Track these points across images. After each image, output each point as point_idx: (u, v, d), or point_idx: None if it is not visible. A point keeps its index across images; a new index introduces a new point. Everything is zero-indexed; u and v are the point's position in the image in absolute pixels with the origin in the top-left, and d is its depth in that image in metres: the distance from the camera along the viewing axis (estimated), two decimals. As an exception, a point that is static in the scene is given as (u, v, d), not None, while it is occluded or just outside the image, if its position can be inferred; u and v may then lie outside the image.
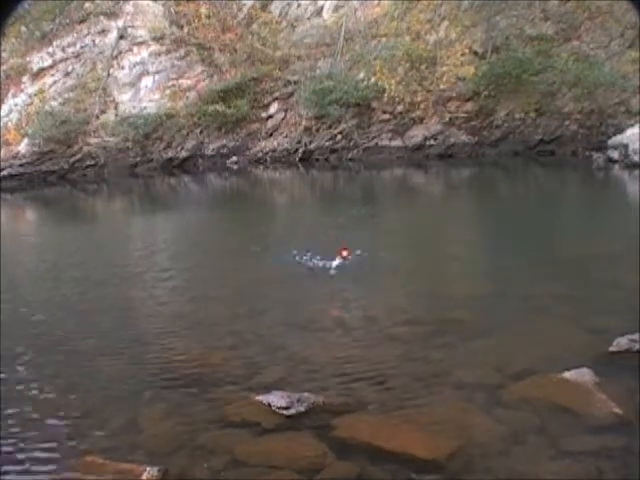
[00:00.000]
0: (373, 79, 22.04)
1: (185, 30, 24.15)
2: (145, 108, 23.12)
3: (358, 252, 8.31)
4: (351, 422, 4.30)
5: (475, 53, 21.84)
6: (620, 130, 19.01)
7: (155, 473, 3.73)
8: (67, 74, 23.87)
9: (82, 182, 22.51)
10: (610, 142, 18.78)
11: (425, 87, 21.81)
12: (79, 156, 23.09)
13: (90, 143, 23.01)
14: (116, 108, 23.50)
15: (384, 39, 22.76)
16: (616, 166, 18.00)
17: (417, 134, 22.33)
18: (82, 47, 24.08)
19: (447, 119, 21.99)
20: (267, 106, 23.44)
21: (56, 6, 24.22)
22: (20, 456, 4.15)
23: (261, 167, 22.90)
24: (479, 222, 12.82)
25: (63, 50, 24.05)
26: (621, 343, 5.07)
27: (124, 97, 23.60)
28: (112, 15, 24.19)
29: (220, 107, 22.40)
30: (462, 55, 21.51)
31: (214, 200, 18.72)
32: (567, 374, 4.65)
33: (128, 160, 22.98)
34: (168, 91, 23.56)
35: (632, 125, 18.57)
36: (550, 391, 4.50)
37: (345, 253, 8.12)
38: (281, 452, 4.02)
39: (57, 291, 8.41)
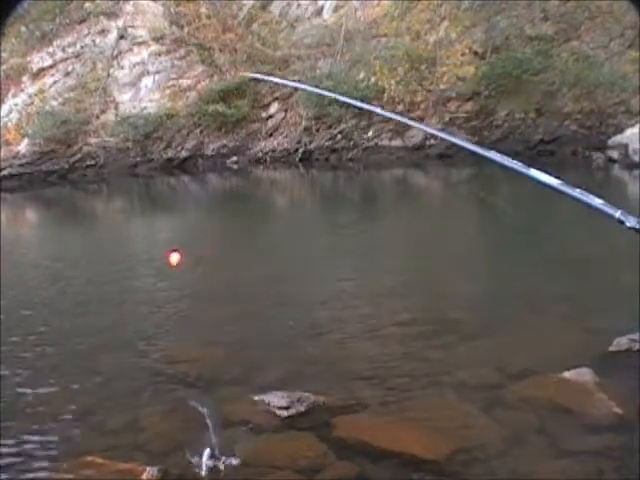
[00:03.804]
0: (373, 79, 22.02)
1: (185, 30, 24.14)
2: (145, 108, 23.11)
3: None
4: (351, 422, 4.30)
5: (475, 53, 21.83)
6: (620, 130, 19.01)
7: (155, 473, 3.73)
8: (67, 74, 23.87)
9: (82, 182, 22.50)
10: (610, 142, 18.78)
11: (425, 87, 21.81)
12: (79, 156, 23.07)
13: (90, 143, 22.99)
14: (116, 108, 23.49)
15: (384, 39, 22.75)
16: (616, 166, 18.00)
17: (417, 134, 22.29)
18: (82, 47, 24.07)
19: (447, 119, 21.98)
20: (267, 106, 23.43)
21: (56, 6, 24.20)
22: (19, 456, 4.15)
23: (261, 167, 22.88)
24: (479, 222, 12.82)
25: (63, 50, 24.04)
26: (621, 343, 5.07)
27: (124, 97, 23.59)
28: (112, 15, 24.17)
29: (220, 107, 22.39)
30: (462, 55, 21.50)
31: (214, 201, 18.70)
32: (567, 374, 4.64)
33: (128, 160, 22.97)
34: (168, 91, 23.55)
35: (632, 125, 18.57)
36: (550, 391, 4.50)
37: (174, 258, 6.41)
38: (281, 452, 4.01)
39: (57, 290, 8.41)
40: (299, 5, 24.62)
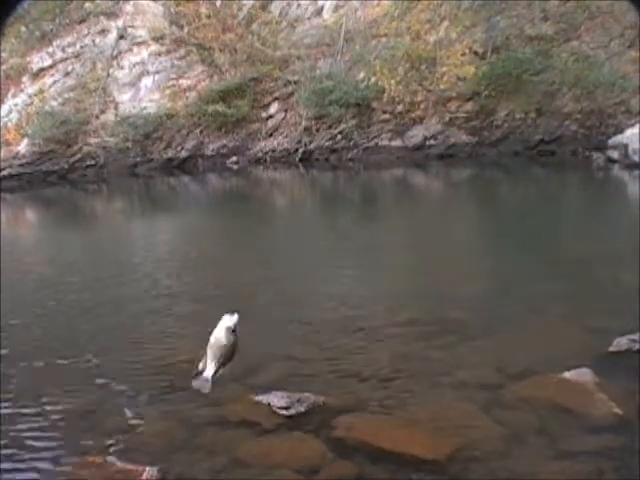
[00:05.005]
0: (373, 79, 22.05)
1: (185, 30, 24.16)
2: (145, 108, 23.13)
3: None
4: (351, 422, 4.29)
5: (475, 53, 21.85)
6: (620, 130, 19.02)
7: (155, 473, 3.73)
8: (67, 74, 23.88)
9: (82, 182, 22.51)
10: (610, 142, 18.79)
11: (425, 87, 21.83)
12: (79, 156, 23.10)
13: (90, 143, 23.02)
14: (116, 108, 23.51)
15: (384, 39, 22.77)
16: (616, 166, 18.00)
17: (417, 134, 22.33)
18: (82, 47, 24.09)
19: (447, 119, 22.00)
20: (267, 106, 23.45)
21: (56, 6, 24.22)
22: (20, 456, 4.15)
23: (261, 167, 22.89)
24: (479, 222, 12.82)
25: (63, 50, 24.06)
26: (621, 343, 5.06)
27: (124, 97, 23.61)
28: (112, 15, 24.20)
29: (220, 107, 22.41)
30: (462, 55, 21.53)
31: (214, 201, 18.71)
32: (567, 374, 4.64)
33: (128, 160, 22.98)
34: (168, 91, 23.57)
35: (632, 125, 18.57)
36: (550, 391, 4.50)
37: None
38: (281, 452, 4.01)
39: (56, 291, 8.39)
40: (299, 5, 24.63)
